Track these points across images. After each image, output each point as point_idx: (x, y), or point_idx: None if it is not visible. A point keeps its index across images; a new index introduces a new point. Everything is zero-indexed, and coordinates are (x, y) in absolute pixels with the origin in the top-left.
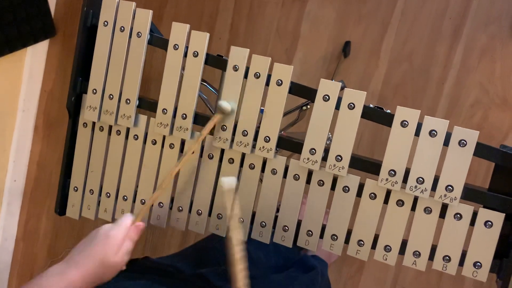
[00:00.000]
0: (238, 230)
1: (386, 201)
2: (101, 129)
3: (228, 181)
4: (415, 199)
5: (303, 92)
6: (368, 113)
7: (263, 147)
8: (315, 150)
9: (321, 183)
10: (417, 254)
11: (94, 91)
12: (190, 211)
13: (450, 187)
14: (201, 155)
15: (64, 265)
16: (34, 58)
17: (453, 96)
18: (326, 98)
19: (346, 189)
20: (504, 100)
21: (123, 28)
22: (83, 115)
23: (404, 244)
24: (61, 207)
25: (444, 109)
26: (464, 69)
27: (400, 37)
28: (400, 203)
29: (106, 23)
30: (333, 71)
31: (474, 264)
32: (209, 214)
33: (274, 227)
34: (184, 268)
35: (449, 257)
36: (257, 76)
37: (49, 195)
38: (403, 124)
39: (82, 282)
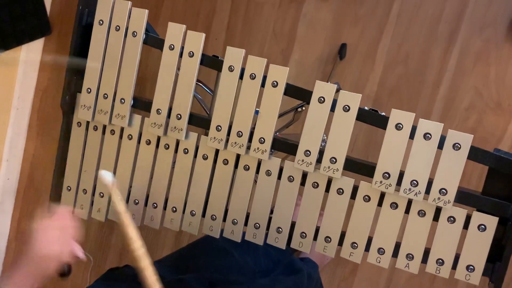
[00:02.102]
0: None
1: (380, 203)
2: (95, 128)
3: (106, 175)
4: (409, 202)
5: (298, 94)
6: (363, 116)
7: (258, 148)
8: (309, 152)
9: (315, 185)
10: (410, 257)
11: (89, 90)
12: (184, 211)
13: (444, 190)
14: (195, 156)
15: (11, 271)
16: (29, 56)
17: (448, 99)
18: (321, 100)
19: (340, 191)
20: (498, 104)
21: (119, 27)
22: (77, 114)
23: (397, 246)
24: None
25: (439, 113)
26: (459, 73)
27: (396, 40)
28: (394, 205)
29: (101, 22)
30: (329, 73)
31: (467, 268)
32: (203, 215)
33: (268, 228)
34: (165, 274)
35: (442, 260)
36: (252, 77)
37: (42, 194)
38: (398, 126)
39: (25, 280)
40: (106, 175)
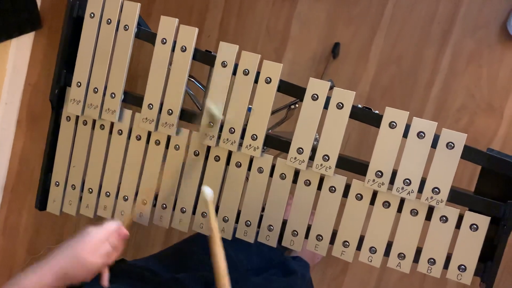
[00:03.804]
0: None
1: (372, 202)
2: (85, 123)
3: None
4: (402, 200)
5: (292, 91)
6: (357, 113)
7: (250, 145)
8: (302, 150)
9: (307, 182)
10: (402, 256)
11: (79, 84)
12: (174, 208)
13: (437, 190)
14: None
15: (41, 261)
16: (19, 50)
17: (440, 100)
18: (314, 97)
19: (332, 189)
20: (489, 105)
21: (110, 20)
22: (67, 108)
23: (389, 246)
24: (41, 202)
25: (431, 113)
26: (452, 74)
27: (389, 40)
28: (387, 204)
29: (92, 15)
30: (322, 72)
31: (459, 267)
32: (193, 212)
33: (259, 226)
34: (161, 271)
35: (434, 259)
36: (245, 73)
37: (30, 190)
38: (391, 125)
39: (53, 277)
40: (207, 192)
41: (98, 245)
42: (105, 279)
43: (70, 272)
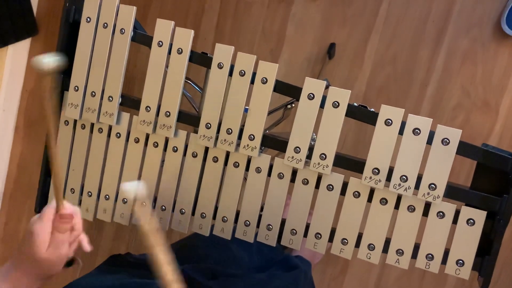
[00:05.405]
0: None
1: (369, 199)
2: (83, 127)
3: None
4: (399, 197)
5: (288, 91)
6: (353, 112)
7: (248, 145)
8: (299, 149)
9: (305, 181)
10: (400, 252)
11: (76, 88)
12: (173, 210)
13: (433, 185)
14: (184, 154)
15: (8, 265)
16: (15, 57)
17: (436, 99)
18: (311, 97)
19: (330, 188)
20: (485, 103)
21: (106, 24)
22: (65, 113)
23: (387, 242)
24: (41, 206)
25: (427, 112)
26: (447, 73)
27: (384, 40)
28: (384, 201)
29: (89, 19)
30: (318, 73)
31: (457, 262)
32: (193, 213)
33: (258, 226)
34: None
35: (432, 255)
36: (242, 74)
37: (29, 196)
38: (387, 122)
39: (28, 279)
40: (129, 188)
41: (47, 240)
42: (86, 245)
43: (42, 272)
